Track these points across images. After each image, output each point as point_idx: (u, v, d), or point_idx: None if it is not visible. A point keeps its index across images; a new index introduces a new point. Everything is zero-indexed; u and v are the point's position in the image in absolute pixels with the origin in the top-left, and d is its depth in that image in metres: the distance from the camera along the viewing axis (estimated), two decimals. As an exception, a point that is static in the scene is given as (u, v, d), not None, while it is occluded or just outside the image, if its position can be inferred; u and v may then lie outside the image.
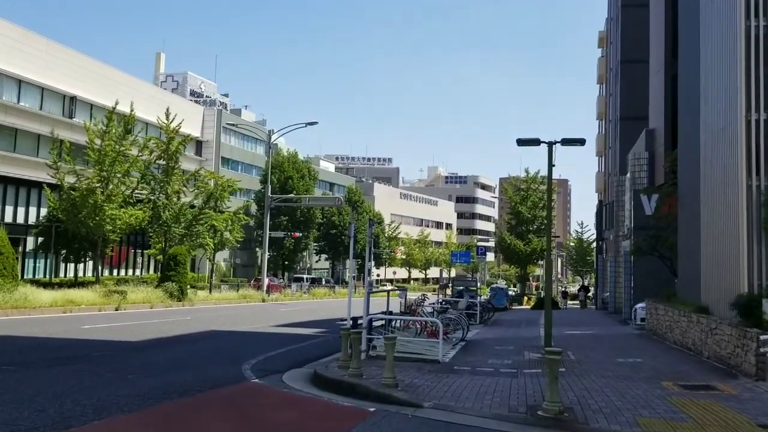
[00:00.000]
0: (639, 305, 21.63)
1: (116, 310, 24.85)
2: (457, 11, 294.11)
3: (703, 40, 15.35)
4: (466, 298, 22.95)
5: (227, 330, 19.25)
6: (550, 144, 14.16)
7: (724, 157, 13.33)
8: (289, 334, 18.79)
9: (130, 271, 54.82)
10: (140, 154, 39.85)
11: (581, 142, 14.06)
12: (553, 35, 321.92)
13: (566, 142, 14.02)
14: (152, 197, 43.04)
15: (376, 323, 14.86)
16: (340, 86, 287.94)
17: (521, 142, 14.15)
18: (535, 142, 14.10)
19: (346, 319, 13.21)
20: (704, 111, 14.95)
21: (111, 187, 37.44)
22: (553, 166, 14.08)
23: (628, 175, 28.64)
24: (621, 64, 34.50)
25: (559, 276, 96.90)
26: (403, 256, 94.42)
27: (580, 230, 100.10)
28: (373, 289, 17.41)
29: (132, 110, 39.35)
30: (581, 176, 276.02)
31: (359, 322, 13.50)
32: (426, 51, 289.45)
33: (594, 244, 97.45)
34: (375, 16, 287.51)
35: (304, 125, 41.72)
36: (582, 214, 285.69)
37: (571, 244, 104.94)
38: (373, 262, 77.97)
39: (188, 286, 31.75)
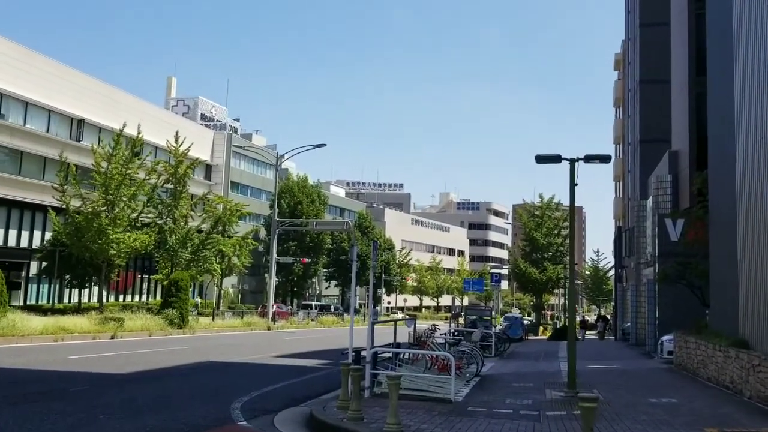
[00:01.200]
0: (666, 337, 20.22)
1: (112, 338, 23.70)
2: (469, 38, 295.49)
3: (737, 54, 14.21)
4: (481, 329, 21.63)
5: (224, 361, 18.03)
6: (572, 161, 12.99)
7: (764, 174, 12.07)
8: (291, 366, 17.56)
9: (137, 297, 53.79)
10: (147, 177, 39.22)
11: (606, 158, 12.89)
12: (566, 62, 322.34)
13: (590, 158, 12.85)
14: (159, 221, 42.30)
15: (382, 355, 13.62)
16: (351, 112, 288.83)
17: (541, 159, 12.99)
18: (556, 158, 12.95)
19: (347, 351, 11.98)
20: (740, 126, 13.74)
21: (116, 210, 36.70)
22: (576, 185, 12.90)
23: (650, 199, 27.35)
24: (640, 84, 33.39)
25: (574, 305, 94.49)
26: (415, 283, 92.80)
27: (596, 258, 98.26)
28: (379, 318, 16.33)
29: (139, 132, 38.71)
30: (596, 203, 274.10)
31: (363, 354, 12.24)
32: (438, 77, 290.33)
33: (611, 272, 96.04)
34: (387, 43, 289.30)
35: (313, 147, 40.83)
36: (597, 242, 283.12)
37: (587, 272, 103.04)
38: (383, 289, 76.38)
39: (189, 313, 30.55)
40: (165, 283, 34.92)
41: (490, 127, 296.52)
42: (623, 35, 46.16)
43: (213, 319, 35.77)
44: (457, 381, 12.44)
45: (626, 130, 39.43)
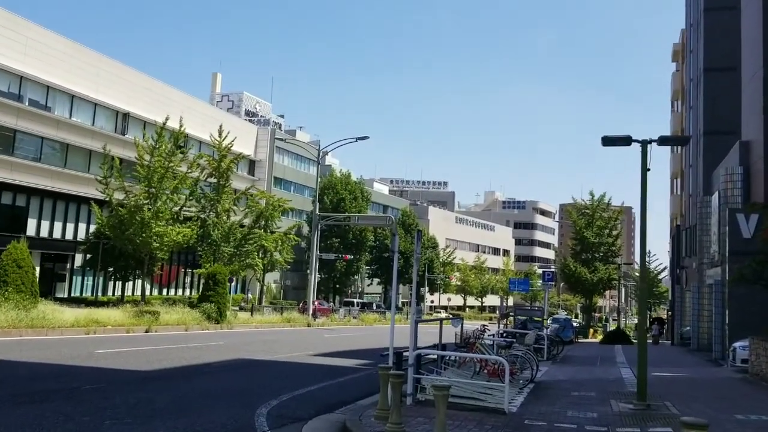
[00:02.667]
0: (738, 344, 18.38)
1: (146, 332, 22.95)
2: (517, 38, 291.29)
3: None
4: (535, 331, 20.10)
5: (259, 359, 16.98)
6: (644, 143, 11.45)
7: None
8: (328, 366, 16.39)
9: (180, 291, 53.72)
10: (190, 170, 38.96)
11: (684, 140, 11.44)
12: (616, 60, 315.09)
13: (665, 140, 11.30)
14: (202, 215, 42.02)
15: (425, 357, 12.35)
16: (396, 110, 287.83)
17: (608, 141, 11.48)
18: (626, 140, 11.41)
19: (387, 352, 10.72)
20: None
21: (159, 203, 36.51)
22: (648, 170, 11.35)
23: (716, 194, 25.37)
24: (704, 73, 31.26)
25: (625, 307, 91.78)
26: (458, 283, 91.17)
27: (647, 259, 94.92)
28: (423, 317, 15.09)
29: (181, 125, 38.37)
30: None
31: (405, 355, 10.95)
32: (485, 76, 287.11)
33: (662, 274, 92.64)
34: (434, 43, 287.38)
35: (355, 140, 39.74)
36: (648, 243, 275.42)
37: (636, 274, 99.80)
38: (427, 288, 75.18)
39: (229, 308, 29.72)
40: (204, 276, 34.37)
41: (536, 126, 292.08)
42: (683, 24, 43.81)
43: (252, 315, 34.94)
44: (510, 388, 11.07)
45: (687, 123, 37.19)
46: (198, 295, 33.88)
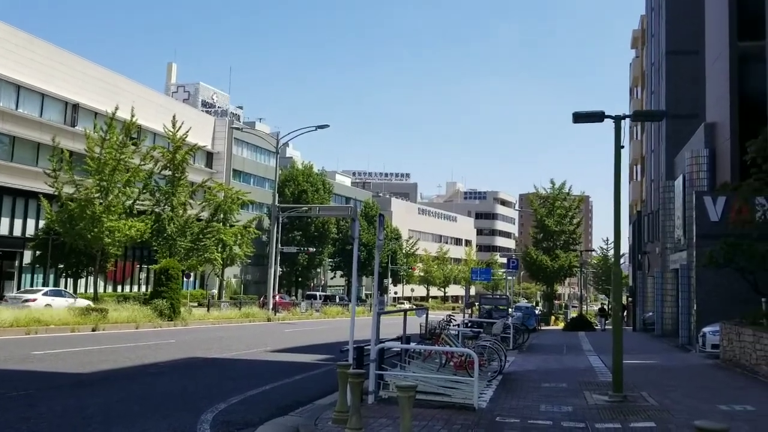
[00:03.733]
0: (709, 329, 17.98)
1: (93, 331, 21.65)
2: (477, 30, 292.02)
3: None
4: (502, 321, 19.44)
5: (211, 357, 15.95)
6: (618, 118, 10.77)
7: None
8: (286, 363, 15.44)
9: (135, 288, 52.11)
10: (143, 163, 37.64)
11: (658, 116, 10.70)
12: (574, 50, 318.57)
13: (638, 116, 10.67)
14: (156, 209, 40.63)
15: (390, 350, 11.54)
16: (358, 102, 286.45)
17: (580, 117, 10.76)
18: (598, 116, 10.71)
19: (347, 348, 9.84)
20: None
21: (111, 197, 35.20)
22: (622, 147, 10.68)
23: (680, 178, 25.10)
24: (666, 56, 31.01)
25: (585, 294, 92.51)
26: (422, 273, 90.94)
27: (605, 246, 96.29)
28: (385, 309, 14.28)
29: (133, 116, 36.97)
30: (602, 192, 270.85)
31: (367, 349, 10.08)
32: (445, 67, 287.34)
33: (622, 260, 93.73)
34: (396, 34, 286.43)
35: (315, 128, 38.62)
36: (605, 232, 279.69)
37: (595, 261, 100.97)
38: (390, 279, 74.53)
39: (183, 304, 28.47)
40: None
41: (496, 117, 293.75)
42: (642, 11, 43.72)
43: (208, 310, 33.68)
44: (479, 381, 10.30)
45: (648, 108, 37.02)
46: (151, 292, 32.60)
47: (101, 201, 34.70)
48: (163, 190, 40.77)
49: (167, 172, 40.86)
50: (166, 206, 40.68)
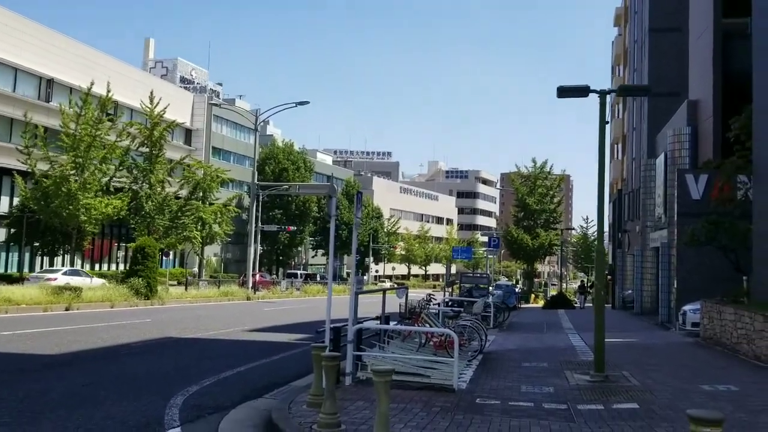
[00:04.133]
0: (689, 307, 17.95)
1: (66, 310, 21.20)
2: (458, 7, 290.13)
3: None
4: (483, 300, 19.25)
5: (187, 337, 15.61)
6: (603, 93, 10.49)
7: None
8: (263, 343, 15.16)
9: (113, 266, 51.44)
10: (119, 139, 37.03)
11: (645, 90, 10.42)
12: (555, 28, 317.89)
13: (625, 90, 10.40)
14: (134, 186, 40.03)
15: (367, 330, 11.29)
16: (340, 80, 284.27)
17: (564, 92, 10.46)
18: (582, 91, 10.41)
19: (324, 328, 9.55)
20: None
21: (86, 174, 34.67)
22: (607, 122, 10.42)
23: (662, 156, 24.99)
24: (649, 33, 30.76)
25: (564, 272, 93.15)
26: (403, 252, 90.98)
27: (585, 225, 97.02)
28: (365, 287, 14.02)
29: (109, 91, 36.28)
30: (583, 171, 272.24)
31: (345, 329, 9.81)
32: (426, 45, 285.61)
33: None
34: (376, 11, 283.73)
35: (294, 105, 38.01)
36: (584, 211, 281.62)
37: (573, 240, 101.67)
38: (371, 258, 74.23)
39: (160, 282, 27.98)
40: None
41: (479, 95, 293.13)
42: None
43: (186, 289, 33.25)
44: (459, 361, 10.08)
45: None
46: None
47: (77, 178, 34.18)
48: (141, 168, 40.18)
49: (145, 149, 40.25)
50: (143, 184, 40.13)
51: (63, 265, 42.72)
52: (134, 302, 24.79)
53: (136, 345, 13.57)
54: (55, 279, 29.39)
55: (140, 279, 25.78)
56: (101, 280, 31.65)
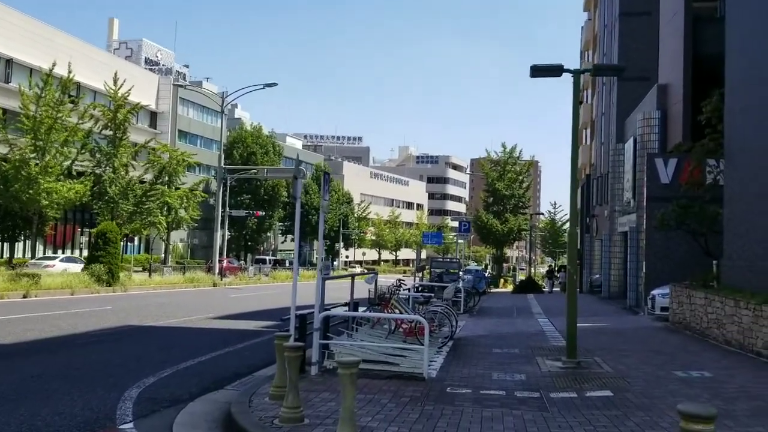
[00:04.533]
0: (658, 291, 17.94)
1: (24, 297, 20.45)
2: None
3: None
4: (454, 285, 19.01)
5: (148, 325, 15.08)
6: (577, 72, 10.21)
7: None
8: (228, 331, 14.71)
9: (76, 252, 50.24)
10: (81, 121, 36.01)
11: (619, 70, 10.15)
12: (525, 16, 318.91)
13: (600, 70, 10.18)
14: (97, 170, 39.08)
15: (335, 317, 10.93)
16: (309, 64, 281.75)
17: (538, 71, 10.13)
18: (556, 70, 10.11)
19: (288, 316, 9.15)
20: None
21: (47, 158, 33.67)
22: (581, 102, 10.16)
23: (631, 140, 24.97)
24: (620, 17, 30.67)
25: (533, 257, 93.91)
26: (373, 237, 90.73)
27: (552, 210, 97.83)
28: (333, 273, 13.65)
29: (70, 72, 35.15)
30: (552, 156, 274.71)
31: (311, 317, 9.43)
32: (397, 30, 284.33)
33: (567, 225, 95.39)
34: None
35: (262, 87, 37.24)
36: (553, 196, 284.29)
37: (541, 225, 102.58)
38: (342, 243, 73.72)
39: (122, 268, 27.23)
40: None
41: (449, 81, 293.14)
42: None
43: (150, 275, 32.52)
44: (429, 348, 9.79)
45: (600, 71, 36.78)
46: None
47: (37, 161, 33.24)
48: (104, 151, 39.27)
49: (108, 132, 39.30)
50: (107, 167, 39.25)
51: (24, 252, 41.64)
52: (96, 289, 24.07)
53: (93, 334, 13.02)
54: (53, 266, 31.03)
55: (102, 265, 25.03)
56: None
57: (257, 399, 7.20)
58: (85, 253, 48.82)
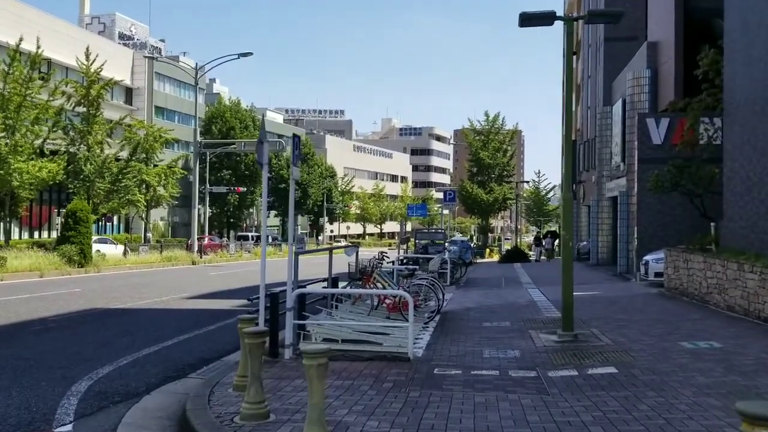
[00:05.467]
0: (651, 256, 17.26)
1: (-13, 281, 19.48)
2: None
3: None
4: (440, 256, 18.22)
5: (116, 308, 14.17)
6: (569, 20, 9.31)
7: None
8: (201, 311, 13.84)
9: (54, 233, 48.98)
10: (53, 98, 34.62)
11: (616, 16, 9.23)
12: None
13: (594, 16, 9.22)
14: (71, 149, 37.81)
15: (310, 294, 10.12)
16: (289, 38, 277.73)
17: (527, 19, 9.20)
18: (547, 18, 9.18)
19: (261, 296, 8.29)
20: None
21: (17, 136, 32.31)
22: (574, 53, 9.29)
23: (619, 102, 24.18)
24: (605, -24, 29.61)
25: (519, 226, 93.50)
26: (358, 211, 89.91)
27: (537, 179, 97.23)
28: (305, 247, 12.75)
29: (39, 47, 33.63)
30: (532, 127, 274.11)
31: (285, 295, 8.58)
32: (377, 1, 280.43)
33: (551, 193, 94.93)
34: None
35: (237, 56, 35.89)
36: (537, 164, 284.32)
37: (525, 194, 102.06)
38: (326, 218, 72.67)
39: (91, 248, 26.11)
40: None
41: (431, 51, 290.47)
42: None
43: (125, 255, 31.51)
44: (414, 324, 9.00)
45: (584, 33, 35.85)
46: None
47: (7, 141, 31.95)
48: (78, 129, 37.96)
49: (81, 109, 37.98)
50: (81, 145, 38.00)
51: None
52: (67, 271, 23.07)
53: (53, 319, 12.09)
54: None
55: (73, 246, 24.00)
56: (121, 247, 33.95)
57: (220, 390, 6.37)
58: (63, 233, 47.75)
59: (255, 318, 6.87)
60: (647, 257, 17.51)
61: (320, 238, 77.40)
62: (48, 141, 35.61)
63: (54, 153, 36.34)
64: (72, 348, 9.23)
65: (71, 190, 38.72)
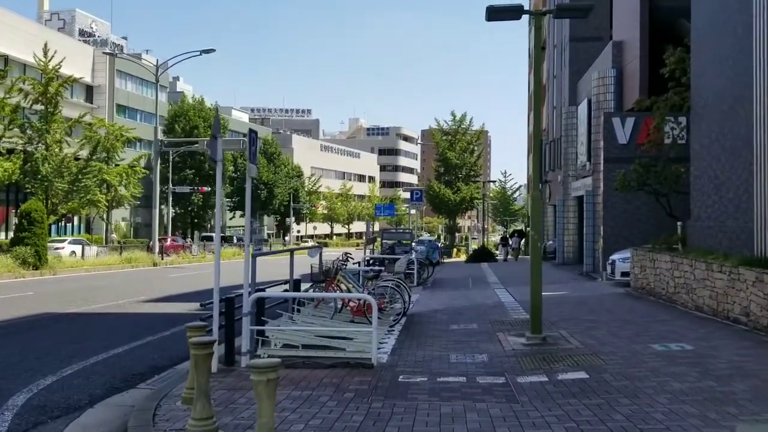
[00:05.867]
0: (617, 256, 17.17)
1: (-68, 286, 18.57)
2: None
3: None
4: (407, 256, 17.90)
5: (69, 312, 13.53)
6: (537, 14, 9.04)
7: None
8: (157, 315, 13.30)
9: (11, 234, 47.53)
10: (9, 96, 33.45)
11: (585, 9, 8.99)
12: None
13: (563, 10, 8.97)
14: (29, 147, 36.59)
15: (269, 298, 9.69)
16: (255, 36, 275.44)
17: (495, 13, 8.91)
18: (515, 11, 8.90)
19: (215, 301, 7.84)
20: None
21: (-29, 136, 31.24)
22: (543, 48, 9.01)
23: (585, 102, 24.17)
24: (570, -25, 29.67)
25: (485, 226, 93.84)
26: (325, 211, 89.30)
27: (503, 179, 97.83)
28: (263, 249, 12.32)
29: (-8, 44, 32.51)
30: (497, 128, 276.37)
31: (247, 298, 8.14)
32: (348, 2, 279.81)
33: (516, 193, 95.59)
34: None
35: (199, 53, 35.16)
36: (502, 166, 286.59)
37: (491, 194, 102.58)
38: (293, 218, 71.94)
39: (47, 250, 25.22)
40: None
41: (398, 51, 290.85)
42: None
43: (83, 256, 30.56)
44: (379, 328, 8.65)
45: (550, 33, 35.91)
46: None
47: (-41, 139, 30.87)
48: (36, 127, 36.74)
49: (39, 107, 36.77)
50: (39, 144, 36.79)
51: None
52: (21, 273, 22.21)
53: (3, 324, 11.45)
54: (63, 248, 31.99)
55: (27, 247, 23.11)
56: (95, 248, 34.29)
57: (168, 403, 5.93)
58: (19, 235, 46.31)
59: (207, 325, 6.44)
60: (614, 256, 17.44)
61: (287, 238, 76.63)
62: (4, 139, 34.47)
63: (10, 152, 35.19)
64: (14, 357, 8.67)
65: (29, 190, 37.55)
